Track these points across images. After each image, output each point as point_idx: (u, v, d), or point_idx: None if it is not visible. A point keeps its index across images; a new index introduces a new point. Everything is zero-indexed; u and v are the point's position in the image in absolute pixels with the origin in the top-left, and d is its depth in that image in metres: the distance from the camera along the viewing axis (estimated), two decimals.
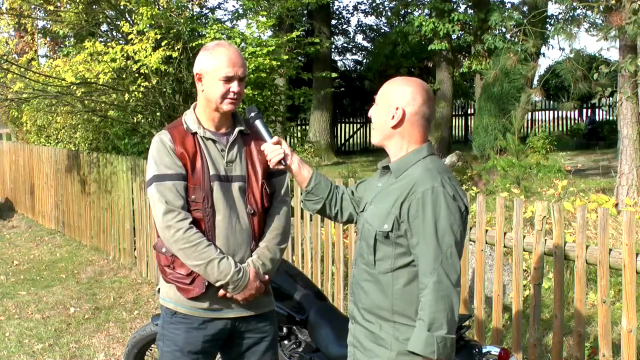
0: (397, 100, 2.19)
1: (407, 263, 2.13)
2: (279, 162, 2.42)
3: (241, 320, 2.59)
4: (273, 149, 2.43)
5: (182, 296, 2.52)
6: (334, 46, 25.64)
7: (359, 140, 24.37)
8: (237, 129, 2.58)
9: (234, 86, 2.48)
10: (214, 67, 2.46)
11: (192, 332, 2.53)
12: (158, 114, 6.75)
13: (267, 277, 2.58)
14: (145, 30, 6.33)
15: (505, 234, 3.65)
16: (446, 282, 2.04)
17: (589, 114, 23.87)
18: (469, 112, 26.36)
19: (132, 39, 6.27)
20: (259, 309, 2.61)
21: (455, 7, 17.78)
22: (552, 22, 17.47)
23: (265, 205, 2.60)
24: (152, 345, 3.71)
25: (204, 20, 8.12)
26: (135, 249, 7.07)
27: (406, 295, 2.13)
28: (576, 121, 25.35)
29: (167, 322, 2.58)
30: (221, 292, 2.49)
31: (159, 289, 2.63)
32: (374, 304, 2.18)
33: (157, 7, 6.41)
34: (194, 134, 2.52)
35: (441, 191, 2.08)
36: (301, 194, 2.49)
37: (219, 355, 2.74)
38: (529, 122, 23.78)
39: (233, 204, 2.52)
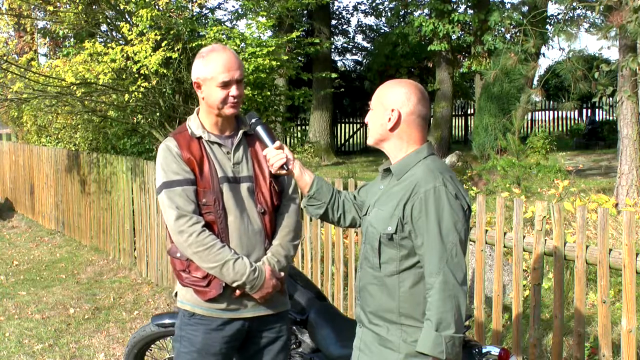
0: (392, 102, 2.20)
1: (413, 265, 2.13)
2: (281, 167, 2.46)
3: (258, 320, 2.60)
4: (275, 154, 2.46)
5: (199, 298, 2.53)
6: (334, 46, 25.62)
7: (358, 141, 24.37)
8: (241, 131, 2.60)
9: (233, 90, 2.49)
10: (210, 74, 2.47)
11: (211, 334, 2.54)
12: (158, 114, 6.75)
13: (282, 274, 2.59)
14: (145, 31, 6.33)
15: (505, 234, 3.65)
16: (452, 282, 2.04)
17: (589, 114, 23.83)
18: (469, 112, 26.33)
19: (131, 39, 6.27)
20: (274, 308, 2.62)
21: (455, 7, 17.77)
22: (552, 22, 17.50)
23: (275, 204, 2.62)
24: (152, 346, 3.71)
25: (203, 20, 8.12)
26: (135, 249, 7.07)
27: (413, 297, 2.14)
28: (576, 121, 25.31)
29: (185, 323, 2.59)
30: (237, 291, 2.50)
31: (176, 292, 2.64)
32: (381, 306, 2.19)
33: (156, 8, 6.40)
34: (199, 138, 2.54)
35: (443, 190, 2.08)
36: (301, 198, 2.50)
37: None
38: (529, 122, 23.76)
39: (243, 205, 2.54)
